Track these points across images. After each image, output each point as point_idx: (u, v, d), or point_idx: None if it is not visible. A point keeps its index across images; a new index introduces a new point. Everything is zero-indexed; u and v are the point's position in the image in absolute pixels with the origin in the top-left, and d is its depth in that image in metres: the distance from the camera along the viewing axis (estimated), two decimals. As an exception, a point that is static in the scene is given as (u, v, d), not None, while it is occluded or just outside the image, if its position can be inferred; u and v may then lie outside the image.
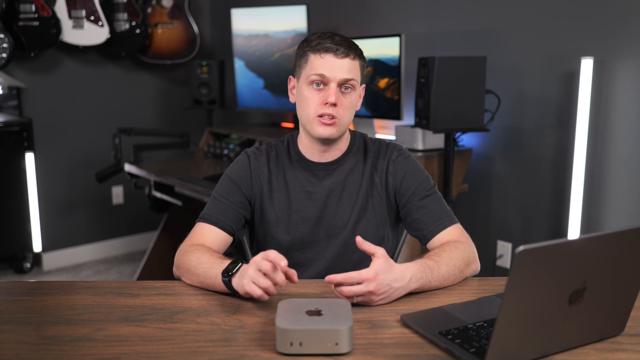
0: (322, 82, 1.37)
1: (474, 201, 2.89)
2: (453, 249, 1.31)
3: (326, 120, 1.37)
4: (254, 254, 1.57)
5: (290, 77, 1.48)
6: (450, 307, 1.13)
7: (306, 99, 1.39)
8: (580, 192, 2.40)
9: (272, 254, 1.10)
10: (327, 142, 1.44)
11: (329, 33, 1.41)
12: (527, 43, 2.60)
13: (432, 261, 1.24)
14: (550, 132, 2.56)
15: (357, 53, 1.40)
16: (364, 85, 1.48)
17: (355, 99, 1.41)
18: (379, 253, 1.15)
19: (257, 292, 1.09)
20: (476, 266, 1.34)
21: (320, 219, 1.46)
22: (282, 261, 1.09)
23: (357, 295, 1.13)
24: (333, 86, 1.36)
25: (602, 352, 0.96)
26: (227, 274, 1.17)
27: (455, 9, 2.86)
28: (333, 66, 1.36)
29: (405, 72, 2.74)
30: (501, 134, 2.73)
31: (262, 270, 1.10)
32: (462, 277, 1.29)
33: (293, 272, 1.14)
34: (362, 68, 1.43)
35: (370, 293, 1.13)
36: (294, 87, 1.46)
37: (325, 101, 1.37)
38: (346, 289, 1.12)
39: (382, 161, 1.48)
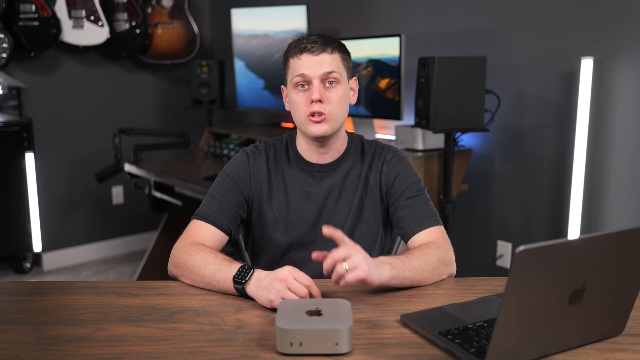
0: (305, 82, 1.39)
1: (474, 201, 2.89)
2: (425, 248, 1.32)
3: (315, 118, 1.38)
4: (250, 253, 1.57)
5: (282, 86, 1.49)
6: (450, 307, 1.13)
7: (295, 102, 1.41)
8: (580, 192, 2.40)
9: (305, 279, 1.14)
10: (323, 140, 1.44)
11: (306, 35, 1.43)
12: (527, 43, 2.60)
13: (402, 255, 1.26)
14: (550, 132, 2.56)
15: (336, 46, 1.41)
16: (355, 78, 1.49)
17: (342, 92, 1.41)
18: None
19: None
20: (452, 269, 1.33)
21: (318, 220, 1.46)
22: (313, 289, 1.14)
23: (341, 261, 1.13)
24: (316, 83, 1.37)
25: (602, 352, 0.96)
26: (240, 281, 1.18)
27: (455, 9, 2.86)
28: (311, 64, 1.37)
29: (405, 72, 2.74)
30: (501, 134, 2.73)
31: (293, 292, 1.12)
32: (436, 275, 1.28)
33: (317, 292, 1.16)
34: (345, 60, 1.43)
35: (353, 249, 1.14)
36: (286, 95, 1.47)
37: (310, 99, 1.37)
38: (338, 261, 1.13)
39: (377, 161, 1.49)
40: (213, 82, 3.69)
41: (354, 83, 1.48)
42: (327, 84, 1.39)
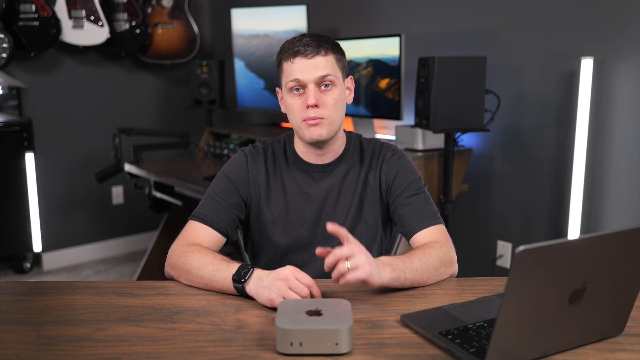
0: (299, 86, 1.37)
1: (474, 201, 2.89)
2: (427, 248, 1.31)
3: (311, 122, 1.37)
4: (250, 254, 1.57)
5: (277, 88, 1.48)
6: (450, 307, 1.13)
7: (290, 106, 1.39)
8: (580, 192, 2.40)
9: (306, 279, 1.14)
10: (320, 144, 1.43)
11: (299, 36, 1.40)
12: (527, 43, 2.60)
13: (403, 256, 1.25)
14: (550, 132, 2.56)
15: (330, 47, 1.38)
16: (350, 77, 1.47)
17: (338, 94, 1.40)
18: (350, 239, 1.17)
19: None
20: (453, 269, 1.33)
21: (317, 221, 1.46)
22: (314, 289, 1.15)
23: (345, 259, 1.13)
24: (311, 87, 1.36)
25: (602, 352, 0.96)
26: (240, 280, 1.17)
27: (455, 9, 2.86)
28: (306, 68, 1.35)
29: (405, 72, 2.74)
30: (501, 134, 2.73)
31: (295, 291, 1.12)
32: (438, 276, 1.28)
33: (318, 292, 1.16)
34: (340, 61, 1.41)
35: (357, 249, 1.14)
36: (281, 97, 1.46)
37: (306, 104, 1.36)
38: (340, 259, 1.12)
39: (376, 160, 1.49)
40: (213, 82, 3.69)
41: (349, 82, 1.47)
42: (323, 87, 1.37)
